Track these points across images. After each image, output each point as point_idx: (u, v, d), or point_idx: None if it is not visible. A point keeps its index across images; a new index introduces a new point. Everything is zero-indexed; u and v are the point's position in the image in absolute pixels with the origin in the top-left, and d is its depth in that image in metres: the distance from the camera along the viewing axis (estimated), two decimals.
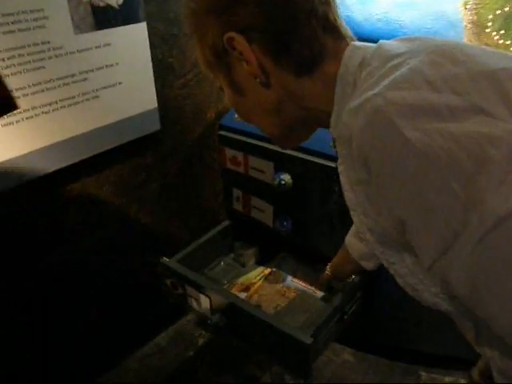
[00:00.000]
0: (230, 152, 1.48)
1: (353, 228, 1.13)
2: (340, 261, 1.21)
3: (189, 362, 1.72)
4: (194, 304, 1.37)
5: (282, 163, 1.35)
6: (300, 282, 1.49)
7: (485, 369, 1.02)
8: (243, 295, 1.42)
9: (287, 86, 0.68)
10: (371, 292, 1.37)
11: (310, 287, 1.46)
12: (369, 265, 1.13)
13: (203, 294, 1.33)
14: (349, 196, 0.69)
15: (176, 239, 1.76)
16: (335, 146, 0.70)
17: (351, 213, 0.70)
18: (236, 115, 1.49)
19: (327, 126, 0.70)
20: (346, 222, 1.26)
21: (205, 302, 1.34)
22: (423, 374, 1.73)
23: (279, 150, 1.34)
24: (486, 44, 1.50)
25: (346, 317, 1.30)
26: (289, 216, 1.42)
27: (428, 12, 1.53)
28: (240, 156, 1.45)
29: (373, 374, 1.73)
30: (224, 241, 1.60)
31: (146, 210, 1.64)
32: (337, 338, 1.35)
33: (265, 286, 1.48)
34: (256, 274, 1.54)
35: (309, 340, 1.11)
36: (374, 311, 1.54)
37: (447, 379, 1.71)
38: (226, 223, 1.60)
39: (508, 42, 1.49)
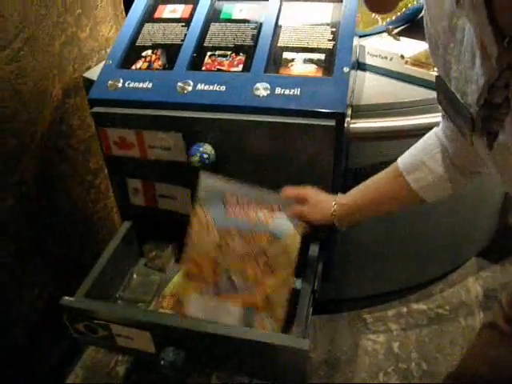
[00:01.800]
0: (113, 133, 1.10)
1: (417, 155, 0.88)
2: (355, 204, 0.93)
3: None
4: (129, 344, 1.03)
5: (194, 132, 1.04)
6: (239, 211, 1.00)
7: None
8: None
9: None
10: (330, 258, 1.19)
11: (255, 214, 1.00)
12: (428, 196, 0.89)
13: (135, 327, 0.99)
14: None
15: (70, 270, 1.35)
16: None
17: None
18: (110, 81, 1.12)
19: None
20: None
21: (142, 337, 1.01)
22: (367, 316, 1.67)
23: (187, 114, 1.03)
24: None
25: (316, 295, 1.10)
26: None
27: None
28: (130, 135, 1.09)
29: (321, 333, 1.61)
30: (130, 248, 1.24)
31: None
32: None
33: (193, 246, 1.13)
34: None
35: (306, 345, 0.88)
36: None
37: (390, 312, 1.67)
38: (126, 226, 1.24)
39: None
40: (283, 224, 0.98)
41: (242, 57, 1.09)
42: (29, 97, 1.23)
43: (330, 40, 1.08)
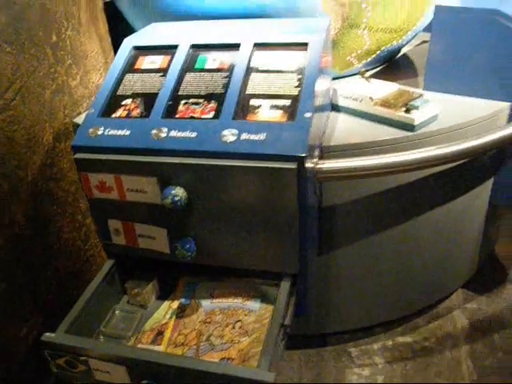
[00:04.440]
0: (94, 177, 1.17)
1: None
2: None
3: None
4: (107, 378, 1.07)
5: (168, 176, 1.10)
6: (223, 300, 1.27)
7: None
8: (160, 348, 1.16)
9: None
10: (305, 293, 1.23)
11: (235, 300, 1.26)
12: None
13: (114, 362, 1.04)
14: None
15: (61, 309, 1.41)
16: None
17: None
18: (92, 129, 1.20)
19: None
20: (268, 227, 1.11)
21: (118, 371, 1.05)
22: (352, 349, 1.68)
23: (161, 160, 1.10)
24: (341, 4, 1.43)
25: (288, 330, 1.13)
26: (190, 236, 1.18)
27: None
28: (110, 179, 1.16)
29: (307, 368, 1.63)
30: (113, 285, 1.29)
31: None
32: None
33: (183, 323, 1.24)
34: (163, 312, 1.28)
35: (271, 378, 0.92)
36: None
37: (376, 345, 1.69)
38: (108, 264, 1.29)
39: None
40: (257, 304, 1.23)
41: (213, 104, 1.16)
42: (20, 143, 1.32)
43: (295, 87, 1.15)
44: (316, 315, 1.62)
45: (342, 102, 1.43)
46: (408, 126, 1.30)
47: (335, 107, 1.45)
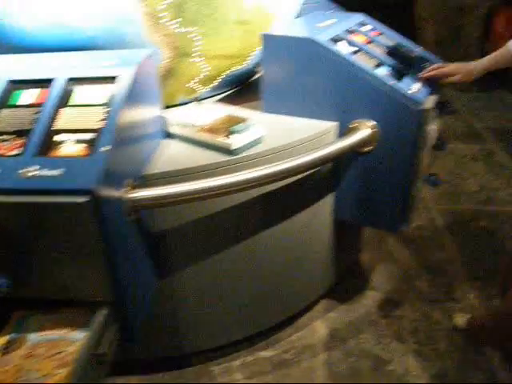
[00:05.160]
0: None
1: None
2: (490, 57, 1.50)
3: None
4: None
5: None
6: (49, 332, 1.26)
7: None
8: None
9: None
10: (128, 319, 1.24)
11: (62, 331, 1.25)
12: None
13: None
14: None
15: None
16: None
17: None
18: None
19: None
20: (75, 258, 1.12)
21: None
22: (215, 367, 1.71)
23: None
24: (166, 35, 1.48)
25: (106, 358, 1.15)
26: (5, 271, 1.18)
27: (100, 9, 1.42)
28: None
29: None
30: None
31: None
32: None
33: (6, 360, 1.22)
34: None
35: None
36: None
37: (237, 362, 1.73)
38: None
39: (186, 30, 1.49)
40: (81, 334, 1.21)
41: (21, 140, 1.17)
42: None
43: (100, 120, 1.17)
44: (172, 337, 1.64)
45: (173, 129, 1.47)
46: (227, 151, 1.36)
47: (167, 134, 1.49)
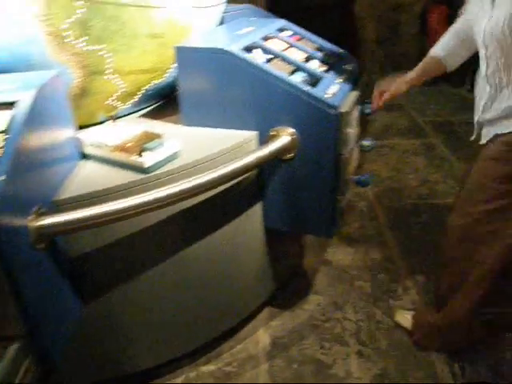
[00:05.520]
0: None
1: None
2: (418, 68, 1.59)
3: None
4: None
5: None
6: None
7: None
8: None
9: None
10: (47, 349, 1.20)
11: None
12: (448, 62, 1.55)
13: None
14: None
15: None
16: None
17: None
18: None
19: None
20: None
21: None
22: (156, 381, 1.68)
23: None
24: (74, 54, 1.44)
25: None
26: None
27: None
28: None
29: None
30: None
31: None
32: None
33: None
34: None
35: None
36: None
37: (179, 379, 1.70)
38: None
39: (95, 47, 1.46)
40: None
41: None
42: None
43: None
44: (110, 359, 1.60)
45: (87, 150, 1.44)
46: (141, 169, 1.33)
47: (83, 155, 1.45)
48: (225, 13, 1.99)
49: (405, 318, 1.82)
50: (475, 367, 1.66)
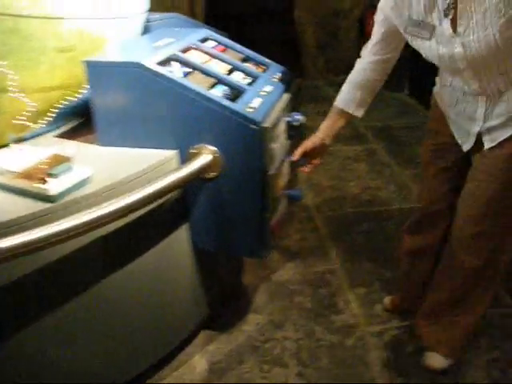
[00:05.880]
0: None
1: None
2: (330, 124, 1.57)
3: None
4: None
5: None
6: None
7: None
8: None
9: None
10: None
11: None
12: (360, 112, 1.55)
13: None
14: None
15: None
16: None
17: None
18: None
19: None
20: None
21: None
22: None
23: None
24: None
25: None
26: None
27: None
28: None
29: None
30: None
31: None
32: None
33: None
34: None
35: None
36: None
37: None
38: None
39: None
40: None
41: None
42: None
43: None
44: None
45: None
46: (46, 197, 1.21)
47: None
48: (148, 22, 1.89)
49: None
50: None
